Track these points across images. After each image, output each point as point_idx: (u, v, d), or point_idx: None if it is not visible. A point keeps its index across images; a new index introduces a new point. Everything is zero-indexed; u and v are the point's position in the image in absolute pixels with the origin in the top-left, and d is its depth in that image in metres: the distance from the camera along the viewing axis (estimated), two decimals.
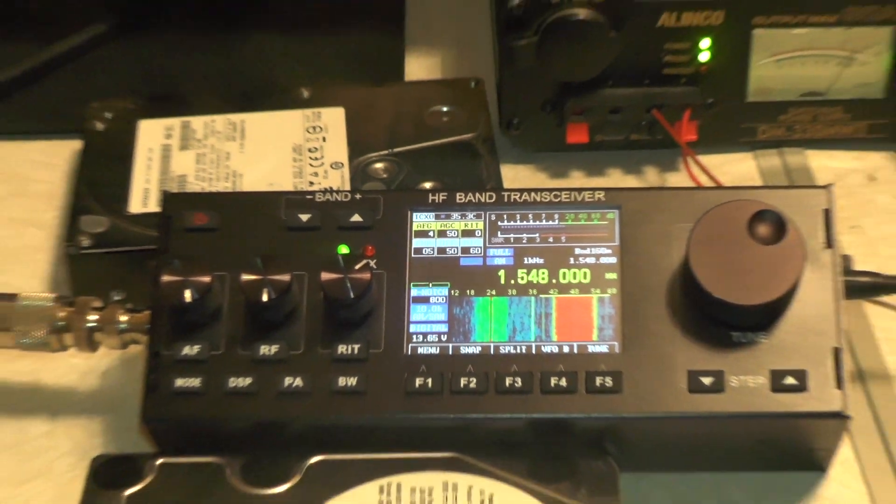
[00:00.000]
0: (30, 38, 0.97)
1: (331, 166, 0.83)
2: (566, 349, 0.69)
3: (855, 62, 0.85)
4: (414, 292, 0.70)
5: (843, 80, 0.86)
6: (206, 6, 1.00)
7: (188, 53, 0.96)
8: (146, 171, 0.83)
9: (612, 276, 0.70)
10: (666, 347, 0.68)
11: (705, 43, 0.84)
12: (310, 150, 0.84)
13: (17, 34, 0.98)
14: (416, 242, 0.72)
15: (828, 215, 0.70)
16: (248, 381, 0.68)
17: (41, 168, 0.90)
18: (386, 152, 0.84)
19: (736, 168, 0.88)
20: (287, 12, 0.99)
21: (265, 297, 0.68)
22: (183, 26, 0.99)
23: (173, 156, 0.84)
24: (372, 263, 0.70)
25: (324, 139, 0.84)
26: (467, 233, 0.72)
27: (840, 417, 0.67)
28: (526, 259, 0.71)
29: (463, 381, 0.68)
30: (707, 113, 0.86)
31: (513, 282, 0.71)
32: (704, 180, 0.83)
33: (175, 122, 0.86)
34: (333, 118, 0.86)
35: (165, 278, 0.68)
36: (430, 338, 0.69)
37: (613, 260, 0.71)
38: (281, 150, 0.84)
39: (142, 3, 0.99)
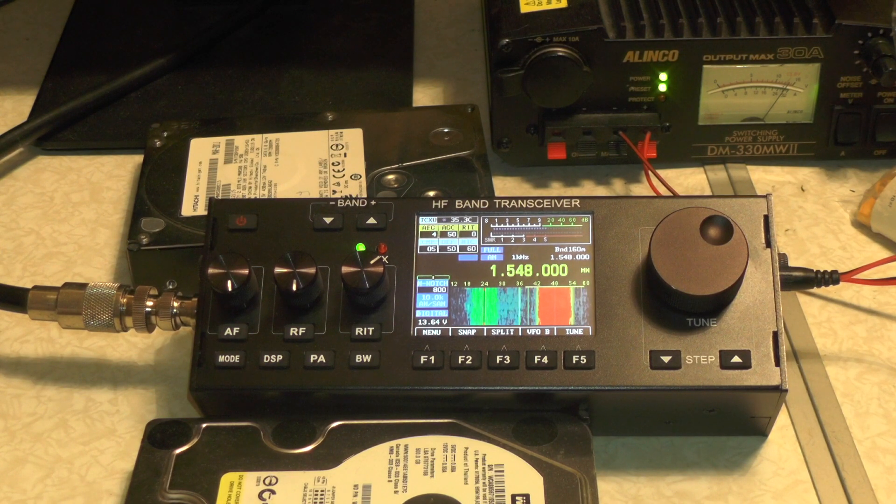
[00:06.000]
0: (103, 69, 0.96)
1: (350, 177, 0.81)
2: (547, 331, 0.67)
3: (788, 93, 0.84)
4: (420, 283, 0.69)
5: (777, 107, 0.85)
6: (249, 46, 1.00)
7: (234, 84, 0.96)
8: (196, 180, 0.81)
9: (586, 270, 0.69)
10: (631, 330, 0.67)
11: (663, 76, 0.83)
12: (333, 164, 0.82)
13: (94, 66, 0.97)
14: (422, 241, 0.70)
15: (767, 220, 0.69)
16: (280, 357, 0.67)
17: (110, 178, 0.89)
18: (397, 166, 0.82)
19: (689, 180, 0.87)
20: (317, 52, 0.99)
21: (294, 287, 0.67)
22: (230, 62, 0.98)
23: (219, 168, 0.82)
24: (384, 259, 0.69)
25: (345, 155, 0.83)
26: (465, 233, 0.70)
27: (778, 390, 0.66)
28: (514, 256, 0.69)
29: (461, 359, 0.67)
30: (665, 134, 0.85)
31: (503, 275, 0.69)
32: (663, 190, 0.82)
33: (221, 140, 0.84)
34: (353, 137, 0.85)
35: (211, 270, 0.67)
36: (433, 322, 0.68)
37: (587, 257, 0.69)
38: (309, 163, 0.83)
39: (196, 42, 0.98)
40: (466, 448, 0.65)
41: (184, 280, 0.73)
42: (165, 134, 0.85)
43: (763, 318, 0.67)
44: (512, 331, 0.67)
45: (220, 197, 0.79)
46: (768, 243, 0.68)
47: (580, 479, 0.64)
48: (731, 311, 0.67)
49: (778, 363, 0.66)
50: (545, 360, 0.66)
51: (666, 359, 0.66)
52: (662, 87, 0.83)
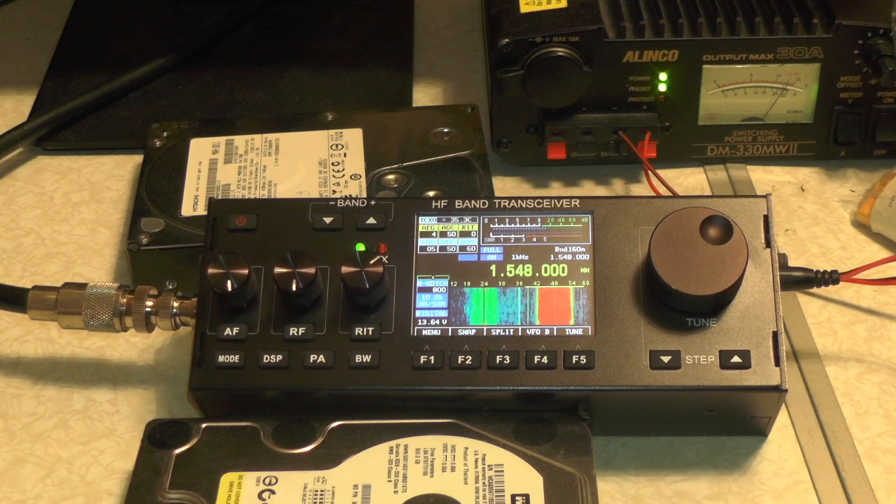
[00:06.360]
0: (103, 69, 0.96)
1: (350, 177, 0.81)
2: (547, 332, 0.67)
3: (788, 93, 0.84)
4: (419, 283, 0.69)
5: (777, 107, 0.85)
6: (249, 46, 1.00)
7: (234, 84, 0.96)
8: (196, 180, 0.81)
9: (586, 270, 0.69)
10: (631, 330, 0.67)
11: (663, 76, 0.83)
12: (333, 164, 0.82)
13: (94, 66, 0.97)
14: (422, 241, 0.70)
15: (766, 220, 0.69)
16: (280, 357, 0.67)
17: (110, 178, 0.89)
18: (396, 166, 0.82)
19: (689, 180, 0.87)
20: (317, 52, 0.99)
21: (294, 287, 0.67)
22: (230, 62, 0.98)
23: (219, 168, 0.82)
24: (384, 259, 0.69)
25: (345, 155, 0.83)
26: (464, 233, 0.70)
27: (778, 390, 0.66)
28: (514, 256, 0.69)
29: (460, 359, 0.67)
30: (664, 134, 0.85)
31: (502, 275, 0.69)
32: (663, 190, 0.82)
33: (221, 140, 0.84)
34: (353, 137, 0.85)
35: (211, 270, 0.67)
36: (432, 322, 0.68)
37: (587, 257, 0.69)
38: (309, 163, 0.82)
39: (196, 42, 0.98)
40: (466, 448, 0.65)
41: (184, 280, 0.74)
42: (165, 134, 0.85)
43: (763, 318, 0.66)
44: (512, 331, 0.67)
45: (219, 197, 0.79)
46: (768, 243, 0.68)
47: (580, 479, 0.64)
48: (731, 311, 0.67)
49: (778, 363, 0.65)
50: (545, 360, 0.66)
51: (666, 359, 0.66)
52: (662, 87, 0.83)
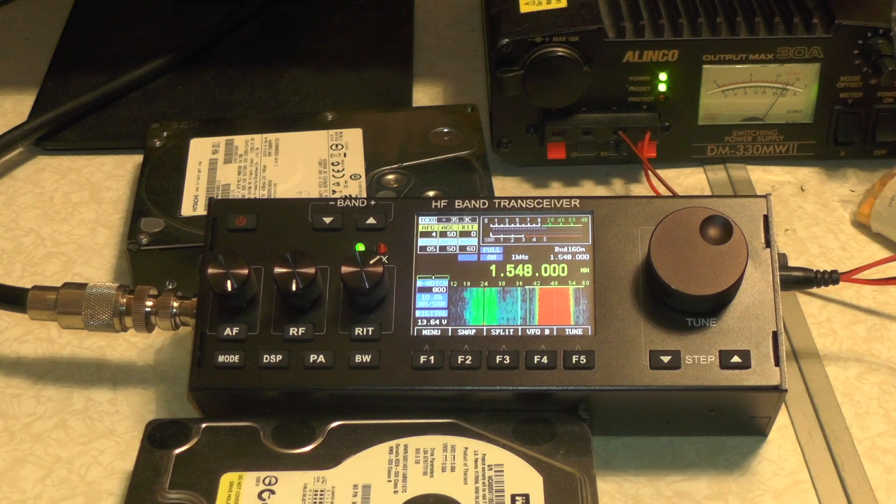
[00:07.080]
0: (103, 69, 0.96)
1: (350, 177, 0.81)
2: (547, 331, 0.67)
3: (788, 93, 0.84)
4: (419, 283, 0.69)
5: (777, 107, 0.85)
6: (249, 46, 1.00)
7: (234, 84, 0.96)
8: (196, 180, 0.81)
9: (586, 270, 0.69)
10: (631, 330, 0.67)
11: (663, 76, 0.83)
12: (333, 164, 0.82)
13: (94, 66, 0.97)
14: (422, 241, 0.70)
15: (766, 220, 0.69)
16: (280, 357, 0.67)
17: (110, 178, 0.89)
18: (396, 166, 0.82)
19: (689, 180, 0.87)
20: (317, 52, 0.99)
21: (294, 287, 0.67)
22: (230, 62, 0.98)
23: (219, 168, 0.82)
24: (384, 259, 0.69)
25: (345, 155, 0.83)
26: (464, 233, 0.70)
27: (778, 390, 0.66)
28: (513, 256, 0.69)
29: (460, 358, 0.67)
30: (664, 134, 0.85)
31: (502, 275, 0.69)
32: (663, 190, 0.82)
33: (220, 140, 0.84)
34: (353, 137, 0.85)
35: (211, 270, 0.67)
36: (432, 321, 0.68)
37: (587, 257, 0.69)
38: (309, 163, 0.82)
39: (196, 42, 0.98)
40: (466, 448, 0.65)
41: (183, 280, 0.73)
42: (165, 134, 0.85)
43: (763, 318, 0.66)
44: (511, 331, 0.67)
45: (219, 197, 0.79)
46: (768, 243, 0.68)
47: (580, 479, 0.64)
48: (731, 311, 0.67)
49: (777, 363, 0.66)
50: (545, 360, 0.66)
51: (666, 359, 0.66)
52: (662, 87, 0.83)
